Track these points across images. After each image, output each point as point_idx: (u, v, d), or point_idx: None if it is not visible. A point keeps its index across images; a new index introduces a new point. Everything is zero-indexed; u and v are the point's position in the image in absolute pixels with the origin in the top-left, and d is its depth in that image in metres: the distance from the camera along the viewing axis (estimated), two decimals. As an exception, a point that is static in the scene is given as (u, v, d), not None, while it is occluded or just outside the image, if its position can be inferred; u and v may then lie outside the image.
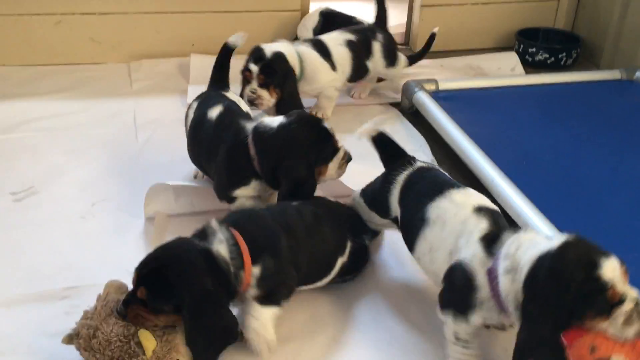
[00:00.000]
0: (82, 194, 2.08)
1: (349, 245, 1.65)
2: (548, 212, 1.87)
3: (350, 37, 2.59)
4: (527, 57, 3.30)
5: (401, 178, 1.60)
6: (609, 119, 2.62)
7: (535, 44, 3.29)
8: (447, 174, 1.63)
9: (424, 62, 3.01)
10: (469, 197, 1.48)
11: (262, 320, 1.44)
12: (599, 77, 2.98)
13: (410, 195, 1.57)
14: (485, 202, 1.49)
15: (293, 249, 1.49)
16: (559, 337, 1.17)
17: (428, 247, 1.47)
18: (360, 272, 1.73)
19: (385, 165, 1.70)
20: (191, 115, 1.99)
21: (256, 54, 2.31)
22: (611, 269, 1.16)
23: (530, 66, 3.28)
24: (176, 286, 1.32)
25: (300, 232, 1.53)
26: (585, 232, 1.82)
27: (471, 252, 1.34)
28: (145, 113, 2.61)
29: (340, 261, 1.62)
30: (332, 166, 1.77)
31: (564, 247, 1.21)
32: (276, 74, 2.29)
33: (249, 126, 1.80)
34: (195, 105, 2.00)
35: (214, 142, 1.83)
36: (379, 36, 2.66)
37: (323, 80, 2.50)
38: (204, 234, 1.41)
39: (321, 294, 1.67)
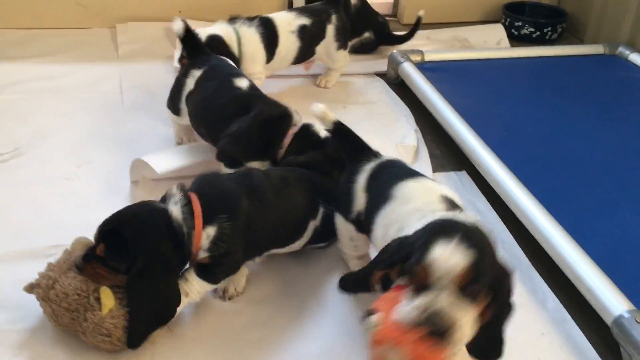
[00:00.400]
0: (68, 156, 2.09)
1: (320, 209, 1.64)
2: (528, 183, 1.91)
3: (305, 21, 2.44)
4: (513, 30, 3.32)
5: (363, 176, 1.50)
6: (591, 93, 2.66)
7: (522, 18, 3.31)
8: (404, 166, 1.52)
9: (410, 33, 3.02)
10: (402, 205, 1.36)
11: (192, 290, 1.44)
12: (583, 51, 3.01)
13: (371, 193, 1.48)
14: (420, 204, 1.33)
15: (257, 212, 1.48)
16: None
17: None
18: (333, 240, 1.72)
19: (348, 159, 1.60)
20: (191, 83, 1.95)
21: None
22: (446, 256, 1.06)
23: (516, 40, 3.30)
24: (133, 245, 1.34)
25: (266, 193, 1.52)
26: (564, 201, 1.89)
27: None
28: (131, 77, 2.60)
29: (313, 224, 1.62)
30: None
31: (445, 222, 1.16)
32: None
33: (297, 119, 1.85)
34: (197, 73, 1.95)
35: (241, 111, 1.82)
36: (334, 18, 2.51)
37: (254, 68, 2.34)
38: (164, 197, 1.44)
39: (297, 258, 1.70)
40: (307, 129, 1.83)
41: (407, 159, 2.15)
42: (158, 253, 1.35)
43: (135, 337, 1.35)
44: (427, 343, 1.04)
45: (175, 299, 1.39)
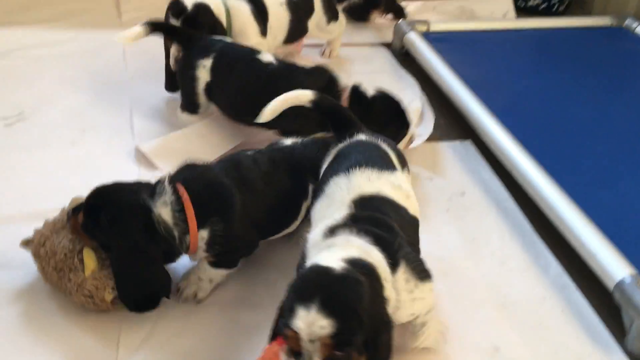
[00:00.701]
0: (72, 121, 2.09)
1: (311, 188, 1.56)
2: (533, 152, 1.91)
3: None
4: (519, 2, 3.29)
5: (329, 159, 1.44)
6: (598, 65, 2.64)
7: (529, -10, 3.28)
8: (357, 153, 1.39)
9: (416, 4, 3.00)
10: (325, 207, 1.30)
11: (205, 280, 1.46)
12: (590, 23, 2.99)
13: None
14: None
15: (250, 204, 1.44)
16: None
17: None
18: None
19: (334, 134, 1.51)
20: (204, 74, 1.90)
21: (175, 8, 2.07)
22: (306, 326, 0.98)
23: (523, 11, 3.28)
24: (105, 231, 1.33)
25: (257, 183, 1.47)
26: (569, 170, 1.89)
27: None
28: (134, 44, 2.57)
29: (305, 205, 1.55)
30: (400, 145, 1.89)
31: (311, 276, 1.06)
32: (202, 28, 2.03)
33: (342, 82, 1.88)
34: (207, 62, 1.90)
35: (284, 85, 1.70)
36: None
37: (250, 41, 2.17)
38: (154, 190, 1.37)
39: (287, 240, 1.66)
40: (357, 90, 1.85)
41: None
42: (132, 247, 1.32)
43: (132, 303, 1.36)
44: None
45: (157, 287, 1.37)
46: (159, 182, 1.39)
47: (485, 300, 1.53)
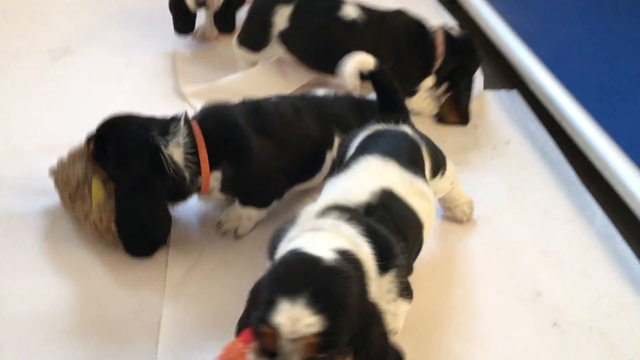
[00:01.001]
0: (116, 56, 2.11)
1: (336, 139, 1.53)
2: (584, 102, 1.86)
3: None
4: (572, -50, 3.17)
5: (364, 134, 1.33)
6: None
7: (583, -62, 3.15)
8: (395, 140, 1.30)
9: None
10: (345, 180, 1.21)
11: (244, 217, 1.45)
12: (647, -28, 2.87)
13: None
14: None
15: (270, 148, 1.41)
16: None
17: None
18: None
19: (379, 110, 1.39)
20: (281, 21, 1.83)
21: None
22: (289, 323, 0.85)
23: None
24: (112, 162, 1.34)
25: (278, 129, 1.44)
26: (620, 122, 1.84)
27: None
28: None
29: (330, 156, 1.52)
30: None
31: (296, 265, 0.93)
32: None
33: (429, 26, 1.88)
34: (287, 10, 1.82)
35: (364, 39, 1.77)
36: None
37: None
38: (167, 129, 1.35)
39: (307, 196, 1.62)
40: (448, 34, 1.88)
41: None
42: (138, 180, 1.31)
43: (131, 246, 1.37)
44: None
45: (156, 226, 1.36)
46: (174, 119, 1.37)
47: (528, 247, 1.52)
